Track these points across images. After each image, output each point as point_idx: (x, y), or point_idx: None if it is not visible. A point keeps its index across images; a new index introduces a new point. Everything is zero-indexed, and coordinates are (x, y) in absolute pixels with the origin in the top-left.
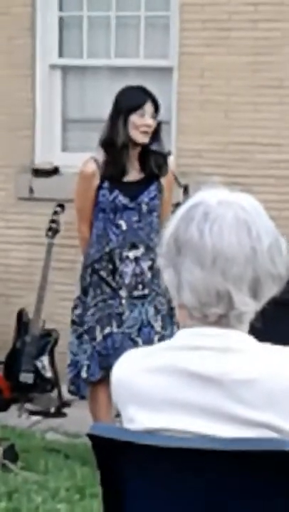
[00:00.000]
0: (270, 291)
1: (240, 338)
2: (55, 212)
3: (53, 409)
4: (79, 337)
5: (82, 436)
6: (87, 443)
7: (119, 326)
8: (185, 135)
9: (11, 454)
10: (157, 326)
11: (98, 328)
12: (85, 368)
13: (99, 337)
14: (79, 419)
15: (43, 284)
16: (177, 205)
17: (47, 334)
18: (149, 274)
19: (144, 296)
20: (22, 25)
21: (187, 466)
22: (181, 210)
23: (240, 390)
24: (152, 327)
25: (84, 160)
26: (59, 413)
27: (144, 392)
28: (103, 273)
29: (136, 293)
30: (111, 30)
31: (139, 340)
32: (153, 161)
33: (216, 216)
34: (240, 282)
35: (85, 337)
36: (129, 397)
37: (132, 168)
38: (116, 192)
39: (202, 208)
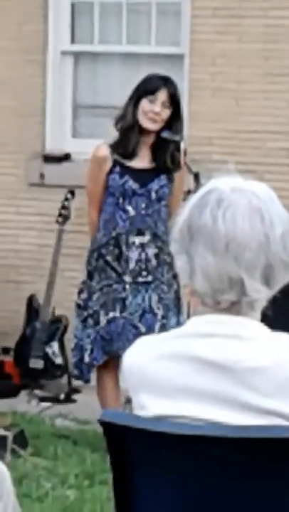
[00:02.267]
0: (283, 278)
1: (252, 326)
2: (66, 199)
3: (62, 396)
4: (83, 321)
5: (91, 422)
6: (96, 429)
7: (122, 311)
8: (196, 122)
9: (21, 440)
10: (159, 313)
11: (102, 313)
12: (88, 352)
13: (103, 321)
14: (88, 405)
15: (53, 271)
16: (188, 192)
17: (57, 320)
18: (154, 262)
19: (148, 283)
20: (34, 11)
21: (197, 453)
22: (194, 197)
23: (252, 377)
24: (155, 314)
25: (97, 144)
26: (69, 399)
27: (156, 379)
28: (109, 258)
29: (140, 279)
30: (122, 17)
31: (141, 327)
32: (166, 152)
33: (229, 203)
34: (252, 269)
35: (89, 321)
36: (140, 384)
37: (144, 154)
38: (126, 177)
39: (215, 194)
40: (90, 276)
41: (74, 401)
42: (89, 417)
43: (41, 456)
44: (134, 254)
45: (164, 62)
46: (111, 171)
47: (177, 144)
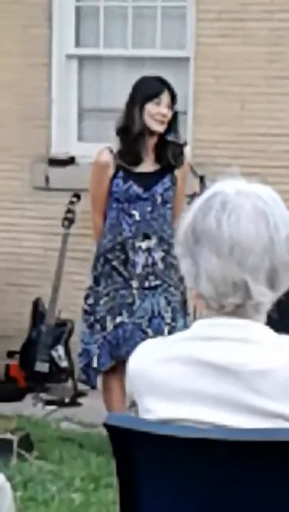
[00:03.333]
0: (288, 281)
1: (258, 329)
2: (71, 202)
3: (68, 399)
4: (90, 326)
5: (97, 426)
6: (102, 433)
7: (130, 316)
8: (201, 126)
9: (26, 444)
10: (167, 317)
11: (109, 318)
12: (95, 358)
13: (110, 327)
14: (94, 409)
15: (58, 274)
16: (193, 195)
17: (62, 324)
18: (161, 265)
19: (155, 287)
20: (39, 15)
21: (203, 457)
22: (199, 200)
23: (257, 380)
24: (163, 318)
25: (99, 150)
26: (74, 403)
27: (161, 383)
28: (115, 263)
29: (147, 283)
30: (128, 21)
31: (150, 331)
32: (170, 151)
33: (233, 206)
34: (257, 272)
35: (96, 327)
36: (145, 388)
37: (148, 158)
38: (130, 182)
39: (220, 197)
40: (96, 281)
41: (79, 404)
42: (94, 420)
43: (47, 459)
44: (140, 259)
45: (168, 66)
46: (114, 176)
47: (182, 148)
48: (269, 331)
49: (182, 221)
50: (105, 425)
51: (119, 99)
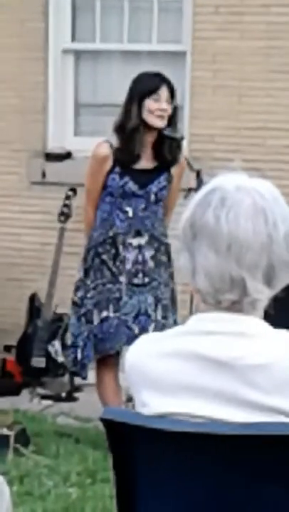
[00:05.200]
0: (285, 278)
1: (254, 324)
2: (68, 197)
3: (64, 394)
4: (79, 319)
5: (93, 420)
6: (98, 427)
7: (116, 311)
8: (198, 120)
9: (23, 438)
10: (158, 315)
11: (96, 312)
12: (79, 350)
13: (96, 320)
14: (90, 403)
15: (54, 269)
16: (190, 190)
17: (59, 319)
18: (151, 263)
19: (143, 285)
20: (35, 9)
21: (199, 451)
22: (198, 195)
23: (253, 375)
24: (149, 316)
25: (98, 142)
26: (70, 397)
27: (157, 377)
28: (105, 257)
29: (136, 280)
30: (124, 15)
31: (135, 328)
32: (167, 148)
33: (232, 202)
34: (254, 269)
35: (83, 319)
36: (142, 382)
37: (145, 154)
38: (126, 178)
39: (219, 193)
40: (86, 274)
41: (76, 399)
42: (91, 415)
43: (43, 454)
44: (131, 255)
45: (165, 60)
46: (111, 171)
47: (178, 142)
48: (266, 326)
49: (182, 216)
50: (102, 420)
51: (116, 93)
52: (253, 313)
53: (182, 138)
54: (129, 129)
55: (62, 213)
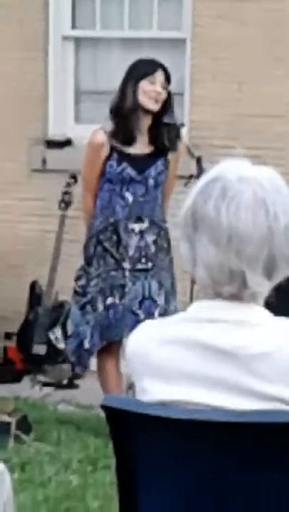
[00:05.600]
0: (285, 271)
1: (256, 312)
2: (68, 184)
3: (65, 381)
4: (82, 308)
5: (94, 407)
6: (99, 415)
7: (121, 298)
8: (198, 107)
9: (24, 426)
10: (160, 300)
11: (100, 299)
12: (88, 339)
13: (100, 308)
14: (91, 390)
15: (55, 256)
16: (190, 177)
17: (60, 306)
18: (153, 248)
19: (147, 270)
20: None
21: (200, 438)
22: (200, 183)
23: (256, 363)
24: (154, 301)
25: (93, 130)
26: (71, 385)
27: (159, 364)
28: (107, 244)
29: (139, 266)
30: (124, 2)
31: (140, 313)
32: (166, 134)
33: (234, 194)
34: (254, 262)
35: (88, 308)
36: (143, 369)
37: (141, 138)
38: (124, 164)
39: (221, 183)
40: (88, 262)
41: (77, 386)
42: (92, 402)
43: (44, 441)
44: (133, 241)
45: (165, 47)
46: (108, 158)
47: (177, 129)
48: (268, 314)
49: (183, 203)
50: (103, 407)
51: (116, 80)
52: (254, 303)
53: (182, 125)
54: (125, 110)
55: (62, 200)
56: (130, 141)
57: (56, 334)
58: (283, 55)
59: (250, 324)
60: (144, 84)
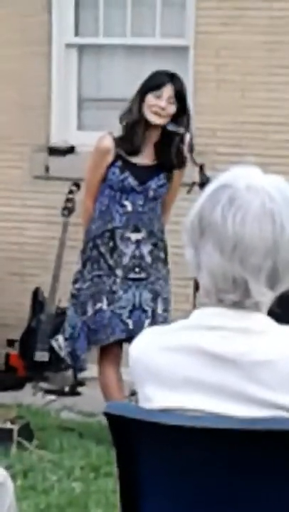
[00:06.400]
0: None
1: (258, 320)
2: (71, 191)
3: (67, 388)
4: (76, 311)
5: (96, 415)
6: (101, 422)
7: (109, 304)
8: (201, 114)
9: (26, 433)
10: (158, 308)
11: (90, 303)
12: (74, 341)
13: (90, 311)
14: (93, 398)
15: (58, 263)
16: (193, 184)
17: (62, 313)
18: (148, 259)
19: (140, 279)
20: (38, 4)
21: (202, 446)
22: (208, 189)
23: (258, 371)
24: (144, 310)
25: (101, 135)
26: (74, 392)
27: (162, 371)
28: (103, 249)
29: (132, 275)
30: (127, 9)
31: (130, 322)
32: (174, 151)
33: (241, 203)
34: (258, 272)
35: (78, 310)
36: (146, 376)
37: (147, 150)
38: (127, 173)
39: (229, 191)
40: (84, 265)
41: (79, 394)
42: (94, 409)
43: (47, 448)
44: (128, 250)
45: (168, 55)
46: (112, 164)
47: (181, 137)
48: (271, 322)
49: (186, 210)
50: (105, 414)
51: (119, 88)
52: (257, 311)
53: (185, 132)
54: (130, 122)
55: (65, 208)
56: (134, 152)
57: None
58: (286, 63)
59: (252, 332)
60: (149, 98)
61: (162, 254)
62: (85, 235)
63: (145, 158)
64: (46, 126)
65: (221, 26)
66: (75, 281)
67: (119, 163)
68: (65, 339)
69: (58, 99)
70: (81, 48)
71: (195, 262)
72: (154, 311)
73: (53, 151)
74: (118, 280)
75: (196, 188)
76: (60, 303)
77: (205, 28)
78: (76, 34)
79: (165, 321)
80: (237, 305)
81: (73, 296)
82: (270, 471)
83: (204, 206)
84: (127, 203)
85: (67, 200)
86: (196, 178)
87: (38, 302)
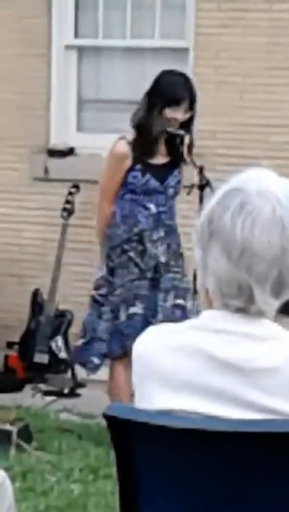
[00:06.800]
0: None
1: (266, 326)
2: (70, 193)
3: (67, 390)
4: (100, 316)
5: (96, 416)
6: (101, 423)
7: (143, 308)
8: (200, 116)
9: (26, 435)
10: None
11: (123, 308)
12: (104, 344)
13: (122, 317)
14: (93, 399)
15: (57, 265)
16: (192, 186)
17: (61, 315)
18: (167, 255)
19: (159, 277)
20: (38, 5)
21: (201, 447)
22: (220, 192)
23: (261, 377)
24: (177, 306)
25: (115, 140)
26: (73, 394)
27: (165, 370)
28: (132, 254)
29: (157, 275)
30: (127, 11)
31: (155, 322)
32: (184, 147)
33: (252, 209)
34: (264, 281)
35: (108, 315)
36: (148, 374)
37: (160, 150)
38: (148, 175)
39: (240, 196)
40: (111, 272)
41: (78, 395)
42: (93, 411)
43: (46, 450)
44: (157, 251)
45: (168, 56)
46: (132, 169)
47: (181, 138)
48: (277, 328)
49: (201, 211)
50: (104, 416)
51: (119, 89)
52: (262, 317)
53: (184, 133)
54: (153, 135)
55: (65, 209)
56: (152, 155)
57: (58, 343)
58: (286, 64)
59: (258, 338)
60: (167, 112)
61: (178, 249)
62: (110, 240)
63: (160, 157)
64: (46, 127)
65: (221, 28)
66: (97, 288)
67: (138, 166)
68: (84, 343)
69: (57, 100)
70: (81, 50)
71: (202, 264)
72: (184, 307)
73: (53, 153)
74: (149, 282)
75: (196, 190)
76: (59, 305)
77: (205, 30)
78: (76, 36)
79: (184, 311)
80: (241, 311)
81: (96, 301)
82: (267, 472)
83: (214, 209)
84: (150, 205)
85: (67, 201)
86: (196, 180)
87: (37, 304)
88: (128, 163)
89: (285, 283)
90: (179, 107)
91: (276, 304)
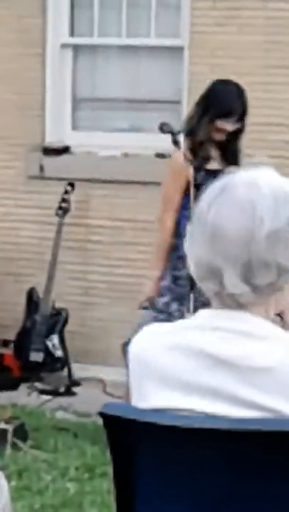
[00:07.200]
0: (264, 278)
1: (262, 325)
2: (66, 192)
3: (62, 389)
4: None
5: (91, 415)
6: (96, 422)
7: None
8: None
9: (21, 433)
10: None
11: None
12: None
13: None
14: (89, 398)
15: (53, 263)
16: (188, 184)
17: (57, 313)
18: None
19: None
20: (33, 4)
21: (198, 446)
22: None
23: (256, 375)
24: None
25: (172, 155)
26: (69, 392)
27: (161, 369)
28: None
29: None
30: (122, 10)
31: None
32: (239, 151)
33: (227, 193)
34: (233, 263)
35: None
36: (144, 373)
37: (216, 155)
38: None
39: (223, 183)
40: (175, 281)
41: (74, 394)
42: (89, 409)
43: (41, 449)
44: None
45: (163, 55)
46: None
47: (175, 136)
48: (273, 327)
49: None
50: (101, 414)
51: (114, 88)
52: (249, 310)
53: (179, 132)
54: (198, 140)
55: (60, 208)
56: (209, 158)
57: (53, 341)
58: (282, 63)
59: (254, 336)
60: (218, 123)
61: None
62: (174, 251)
63: (216, 162)
64: (41, 126)
65: (216, 26)
66: (161, 295)
67: (202, 173)
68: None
69: (52, 99)
70: (76, 48)
71: (189, 253)
72: None
73: (48, 151)
74: None
75: (191, 188)
76: (54, 303)
77: (200, 28)
78: (71, 34)
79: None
80: (217, 297)
81: (158, 309)
82: (267, 471)
83: (201, 199)
84: None
85: (62, 200)
86: (190, 178)
87: (32, 302)
88: (189, 173)
89: (252, 267)
90: (231, 119)
91: (246, 289)
